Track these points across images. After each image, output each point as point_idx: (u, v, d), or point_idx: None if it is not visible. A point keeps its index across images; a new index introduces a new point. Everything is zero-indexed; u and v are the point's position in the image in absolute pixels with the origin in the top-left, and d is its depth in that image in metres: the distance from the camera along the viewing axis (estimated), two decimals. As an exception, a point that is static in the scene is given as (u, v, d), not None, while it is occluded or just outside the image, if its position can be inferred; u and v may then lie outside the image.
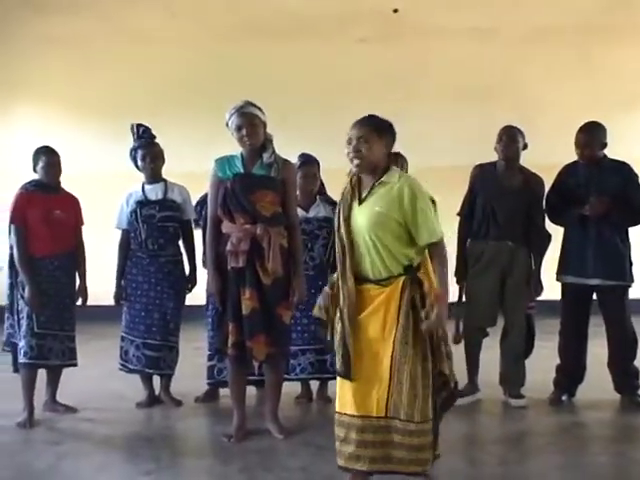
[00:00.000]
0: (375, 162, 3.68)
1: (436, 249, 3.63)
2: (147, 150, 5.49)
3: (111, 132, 8.82)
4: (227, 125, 4.65)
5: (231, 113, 4.61)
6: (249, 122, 4.58)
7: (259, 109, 4.63)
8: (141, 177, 5.61)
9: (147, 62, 9.13)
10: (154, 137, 5.53)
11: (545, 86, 8.99)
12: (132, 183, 5.63)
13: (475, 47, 8.83)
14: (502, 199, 5.32)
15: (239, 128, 4.59)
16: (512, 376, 5.44)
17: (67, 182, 5.45)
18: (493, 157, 5.44)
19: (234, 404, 4.85)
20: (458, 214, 5.54)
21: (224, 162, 4.70)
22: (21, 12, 9.32)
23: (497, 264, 5.34)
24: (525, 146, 5.38)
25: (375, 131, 3.68)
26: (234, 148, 4.74)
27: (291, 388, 5.56)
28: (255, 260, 4.53)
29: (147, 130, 5.51)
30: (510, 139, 5.33)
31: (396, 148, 5.47)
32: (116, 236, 5.67)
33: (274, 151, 4.66)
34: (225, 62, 8.96)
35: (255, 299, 4.52)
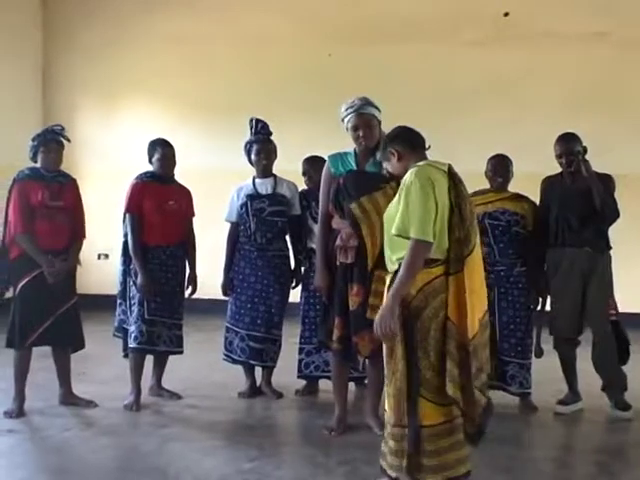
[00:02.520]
0: None
1: (408, 247, 3.50)
2: (262, 146, 5.60)
3: (224, 129, 9.06)
4: (342, 120, 4.67)
5: (348, 111, 4.60)
6: (366, 123, 4.58)
7: (376, 108, 4.62)
8: (249, 174, 5.74)
9: (261, 62, 9.29)
10: (271, 134, 5.63)
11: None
12: (242, 179, 5.76)
13: (586, 51, 8.67)
14: (572, 204, 5.23)
15: (355, 128, 4.60)
16: (611, 383, 5.32)
17: (177, 176, 5.61)
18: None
19: (336, 397, 4.90)
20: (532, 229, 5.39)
21: (337, 158, 4.75)
22: (143, 13, 9.64)
23: (577, 271, 5.25)
24: (585, 150, 5.26)
25: None
26: (345, 145, 4.80)
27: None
28: (364, 257, 4.55)
29: (265, 126, 5.62)
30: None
31: (508, 149, 5.48)
32: (217, 231, 5.79)
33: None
34: (337, 63, 9.04)
35: (362, 295, 4.54)
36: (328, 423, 4.84)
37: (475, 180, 5.60)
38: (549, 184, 5.44)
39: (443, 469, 3.55)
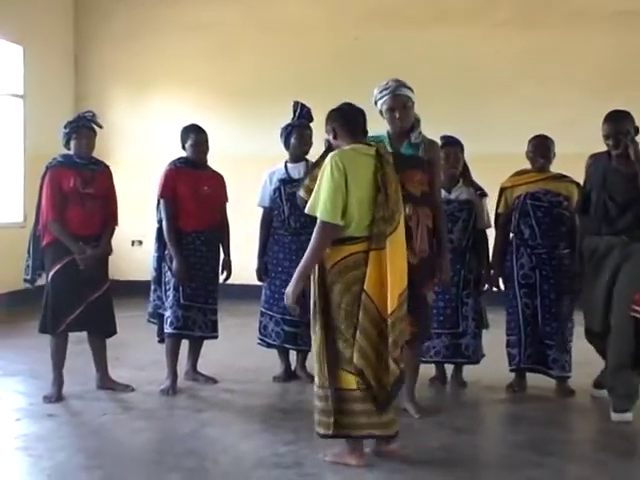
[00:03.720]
0: None
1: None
2: (304, 131, 5.55)
3: (254, 115, 9.08)
4: (375, 103, 4.64)
5: (383, 93, 4.58)
6: (402, 105, 4.56)
7: (410, 89, 4.60)
8: (281, 160, 5.70)
9: (289, 47, 9.29)
10: (312, 120, 5.54)
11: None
12: (274, 165, 5.74)
13: (620, 31, 8.54)
14: (614, 188, 4.81)
15: (392, 109, 4.57)
16: (615, 387, 4.77)
17: (209, 162, 5.61)
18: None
19: None
20: (575, 210, 5.25)
21: (371, 141, 4.72)
22: (171, 1, 9.69)
23: (610, 261, 4.80)
24: (637, 130, 4.82)
25: None
26: (372, 128, 4.76)
27: (425, 370, 5.57)
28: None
29: (309, 112, 5.53)
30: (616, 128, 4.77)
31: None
32: (250, 216, 5.78)
33: (421, 131, 4.66)
34: (363, 48, 9.01)
35: None
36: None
37: (512, 161, 5.56)
38: (594, 162, 5.01)
39: (364, 428, 3.88)
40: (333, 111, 4.08)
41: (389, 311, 3.81)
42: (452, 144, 5.37)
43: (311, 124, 5.57)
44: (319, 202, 3.84)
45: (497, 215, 5.52)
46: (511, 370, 5.43)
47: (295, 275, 3.93)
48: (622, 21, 8.53)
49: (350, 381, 3.86)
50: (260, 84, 9.22)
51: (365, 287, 3.81)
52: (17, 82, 9.10)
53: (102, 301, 5.27)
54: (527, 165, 5.38)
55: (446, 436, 4.47)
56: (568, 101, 8.43)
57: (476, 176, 5.52)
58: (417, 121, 4.65)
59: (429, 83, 7.88)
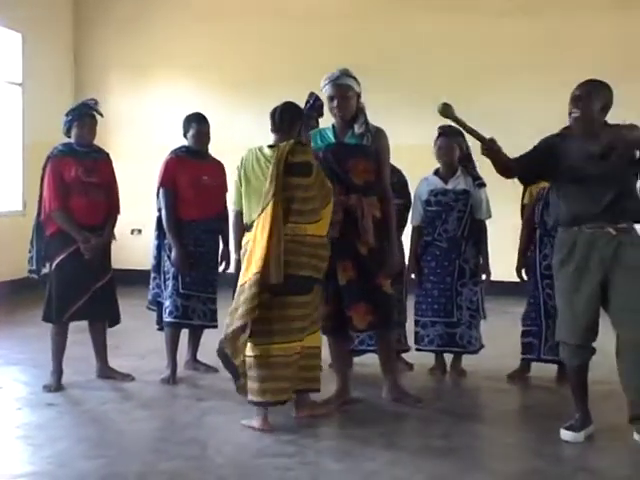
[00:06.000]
0: None
1: None
2: (309, 123, 5.49)
3: (255, 105, 9.00)
4: (322, 91, 4.70)
5: (325, 82, 4.63)
6: (341, 94, 4.59)
7: (354, 79, 4.62)
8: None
9: (291, 37, 9.26)
10: (322, 115, 5.31)
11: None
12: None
13: (617, 21, 8.54)
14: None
15: (331, 99, 4.62)
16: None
17: (210, 150, 5.60)
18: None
19: (336, 374, 4.90)
20: None
21: (316, 134, 4.76)
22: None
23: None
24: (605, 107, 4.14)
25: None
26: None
27: (426, 360, 5.59)
28: (351, 230, 4.54)
29: (321, 106, 5.22)
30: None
31: (540, 123, 5.34)
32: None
33: (366, 121, 4.64)
34: (365, 36, 8.98)
35: (352, 269, 4.56)
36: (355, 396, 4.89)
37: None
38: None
39: (264, 393, 4.29)
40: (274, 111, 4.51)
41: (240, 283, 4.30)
42: (445, 135, 5.39)
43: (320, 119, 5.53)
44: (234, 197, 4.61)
45: (522, 206, 5.54)
46: (525, 359, 5.44)
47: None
48: (619, 9, 8.53)
49: (251, 349, 4.33)
50: (263, 72, 9.19)
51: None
52: (16, 70, 9.07)
53: (106, 290, 5.28)
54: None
55: (446, 425, 4.48)
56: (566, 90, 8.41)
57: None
58: (361, 111, 4.65)
59: (431, 71, 7.88)
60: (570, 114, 4.15)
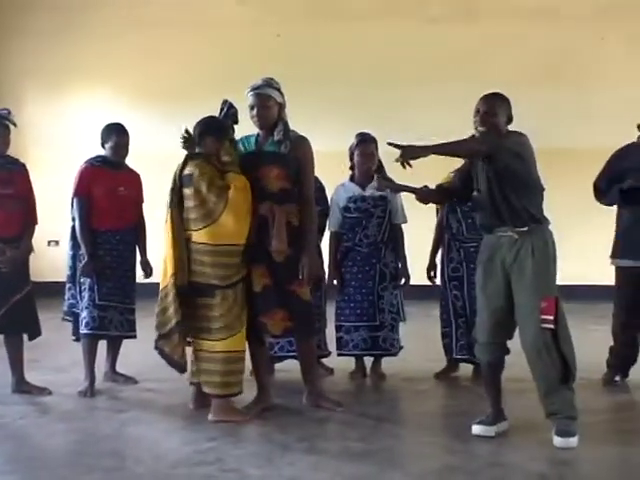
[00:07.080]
0: None
1: None
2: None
3: (174, 115, 8.95)
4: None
5: (248, 91, 4.70)
6: (261, 103, 4.65)
7: (277, 89, 4.69)
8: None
9: (211, 47, 9.26)
10: (237, 122, 5.30)
11: (607, 65, 8.89)
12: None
13: (541, 27, 8.81)
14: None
15: (251, 107, 4.69)
16: (556, 410, 4.18)
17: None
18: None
19: (256, 380, 4.92)
20: None
21: (243, 141, 4.82)
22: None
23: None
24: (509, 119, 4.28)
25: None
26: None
27: (346, 364, 5.66)
28: (265, 237, 4.60)
29: (235, 113, 5.03)
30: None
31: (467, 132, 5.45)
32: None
33: (286, 129, 4.69)
34: (290, 45, 9.04)
35: (266, 276, 4.61)
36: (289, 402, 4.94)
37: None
38: None
39: (219, 386, 4.56)
40: None
41: (161, 286, 4.59)
42: (366, 141, 5.49)
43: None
44: None
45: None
46: (448, 361, 5.62)
47: None
48: (542, 17, 8.82)
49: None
50: (180, 83, 9.17)
51: None
52: None
53: (25, 303, 5.20)
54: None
55: (365, 428, 4.54)
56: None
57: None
58: (282, 120, 4.70)
59: (363, 78, 7.96)
60: (476, 129, 4.26)
